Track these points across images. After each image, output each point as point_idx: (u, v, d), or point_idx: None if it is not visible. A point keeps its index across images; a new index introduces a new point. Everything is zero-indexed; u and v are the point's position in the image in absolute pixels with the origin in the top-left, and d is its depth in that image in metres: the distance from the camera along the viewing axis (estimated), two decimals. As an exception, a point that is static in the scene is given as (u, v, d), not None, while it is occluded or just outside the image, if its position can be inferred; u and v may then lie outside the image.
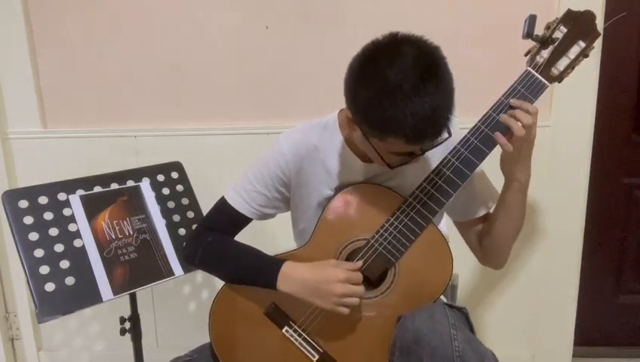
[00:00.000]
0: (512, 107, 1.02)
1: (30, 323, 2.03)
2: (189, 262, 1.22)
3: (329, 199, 1.13)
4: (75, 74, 1.87)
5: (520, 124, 0.99)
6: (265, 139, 1.83)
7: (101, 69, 1.86)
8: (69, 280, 1.36)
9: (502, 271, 1.89)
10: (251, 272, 1.12)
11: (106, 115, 1.90)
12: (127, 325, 1.51)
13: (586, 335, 2.03)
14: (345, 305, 1.04)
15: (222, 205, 1.20)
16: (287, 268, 1.08)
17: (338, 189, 1.13)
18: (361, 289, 1.05)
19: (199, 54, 1.83)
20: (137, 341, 1.53)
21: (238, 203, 1.17)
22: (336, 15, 1.77)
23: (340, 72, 1.87)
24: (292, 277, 1.07)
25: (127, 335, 1.51)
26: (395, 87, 0.86)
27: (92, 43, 1.84)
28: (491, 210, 1.18)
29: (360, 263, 1.07)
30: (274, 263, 1.10)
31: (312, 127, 1.16)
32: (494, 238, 1.14)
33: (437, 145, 0.98)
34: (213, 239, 1.18)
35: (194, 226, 1.55)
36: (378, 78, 0.89)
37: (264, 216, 1.20)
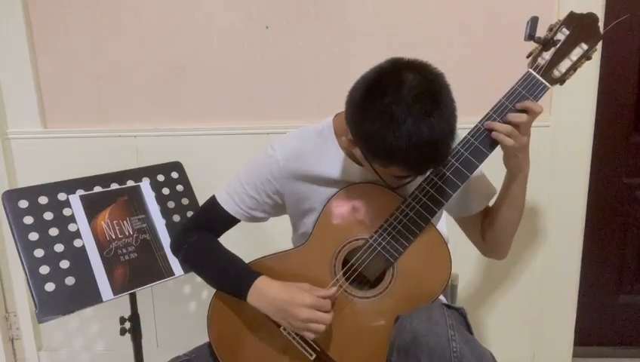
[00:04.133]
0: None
1: (30, 323, 2.03)
2: (175, 255, 1.25)
3: (328, 199, 1.12)
4: (75, 74, 1.87)
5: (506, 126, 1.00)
6: (265, 139, 1.83)
7: (101, 69, 1.86)
8: (69, 280, 1.36)
9: (502, 271, 1.90)
10: (226, 280, 1.13)
11: (106, 115, 1.90)
12: (127, 325, 1.51)
13: (586, 335, 2.02)
14: (308, 331, 1.03)
15: (212, 204, 1.20)
16: (260, 284, 1.08)
17: (337, 191, 1.13)
18: (327, 316, 1.04)
19: (199, 54, 1.83)
20: (137, 341, 1.54)
21: (228, 204, 1.17)
22: (336, 15, 1.77)
23: (340, 71, 1.87)
24: (262, 294, 1.07)
25: (127, 335, 1.52)
26: (400, 123, 0.87)
27: (92, 43, 1.84)
28: (490, 205, 1.19)
29: (334, 290, 1.06)
30: (249, 276, 1.09)
31: (307, 134, 1.16)
32: (498, 230, 1.15)
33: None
34: (198, 239, 1.19)
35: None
36: (382, 113, 0.88)
37: (253, 219, 1.20)
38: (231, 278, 1.12)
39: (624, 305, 2.06)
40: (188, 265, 1.23)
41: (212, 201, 1.20)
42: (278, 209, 1.21)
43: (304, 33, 1.79)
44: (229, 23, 1.80)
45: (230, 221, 1.20)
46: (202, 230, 1.20)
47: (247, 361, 1.14)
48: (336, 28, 1.78)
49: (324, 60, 1.80)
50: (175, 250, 1.24)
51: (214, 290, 1.16)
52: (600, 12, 1.65)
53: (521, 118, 1.00)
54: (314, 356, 1.10)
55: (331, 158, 1.13)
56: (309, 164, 1.13)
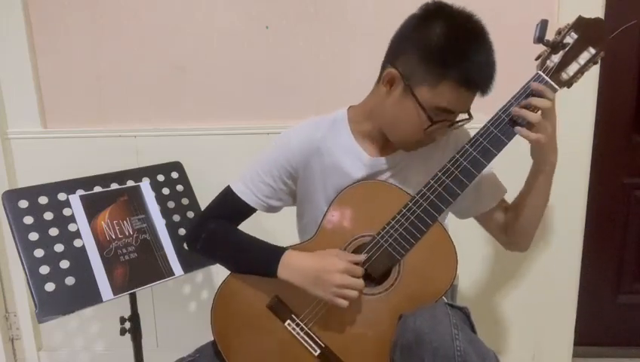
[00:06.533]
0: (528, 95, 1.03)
1: (30, 323, 2.03)
2: (191, 247, 1.24)
3: (336, 194, 1.13)
4: (75, 74, 1.87)
5: (534, 114, 1.01)
6: (265, 139, 1.83)
7: (101, 69, 1.86)
8: (69, 280, 1.36)
9: (502, 271, 1.91)
10: (252, 260, 1.13)
11: (106, 115, 1.90)
12: (127, 325, 1.51)
13: (586, 335, 2.02)
14: (343, 297, 1.04)
15: (227, 194, 1.20)
16: (288, 257, 1.09)
17: (345, 186, 1.13)
18: (360, 282, 1.05)
19: (199, 54, 1.83)
20: (137, 341, 1.53)
21: (245, 193, 1.18)
22: (336, 15, 1.77)
23: (340, 71, 1.86)
24: (292, 266, 1.08)
25: (127, 335, 1.51)
26: (468, 29, 0.98)
27: (92, 43, 1.84)
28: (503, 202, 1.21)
29: (363, 256, 1.07)
30: (275, 251, 1.11)
31: (321, 122, 1.18)
32: (523, 223, 1.15)
33: (462, 124, 1.08)
34: (217, 226, 1.19)
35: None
36: (450, 20, 0.98)
37: (269, 208, 1.21)
38: (257, 257, 1.13)
39: (624, 305, 2.06)
40: (207, 254, 1.21)
41: (227, 192, 1.20)
42: (293, 196, 1.23)
43: (304, 33, 1.79)
44: (229, 23, 1.80)
45: (247, 211, 1.20)
46: (218, 220, 1.20)
47: (251, 357, 1.14)
48: (336, 28, 1.78)
49: (324, 60, 1.80)
50: (192, 240, 1.23)
51: (214, 290, 1.15)
52: (600, 12, 1.65)
53: (545, 103, 1.01)
54: (318, 351, 1.09)
55: (343, 145, 1.15)
56: (321, 151, 1.15)
